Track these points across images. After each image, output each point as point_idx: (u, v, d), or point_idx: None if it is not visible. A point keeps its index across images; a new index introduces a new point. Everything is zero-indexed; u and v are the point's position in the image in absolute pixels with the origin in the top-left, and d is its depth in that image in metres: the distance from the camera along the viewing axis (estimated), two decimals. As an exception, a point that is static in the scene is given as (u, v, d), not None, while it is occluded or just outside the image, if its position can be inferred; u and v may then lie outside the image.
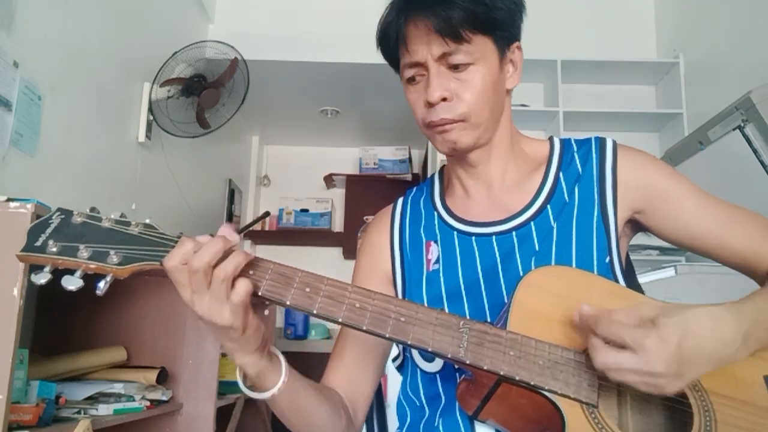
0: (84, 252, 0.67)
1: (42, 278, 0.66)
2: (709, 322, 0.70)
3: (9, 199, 1.17)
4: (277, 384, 0.75)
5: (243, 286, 0.67)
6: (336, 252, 4.25)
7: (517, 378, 0.69)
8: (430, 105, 0.84)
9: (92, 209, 0.71)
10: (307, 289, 0.70)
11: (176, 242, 0.70)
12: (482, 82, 0.84)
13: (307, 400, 0.81)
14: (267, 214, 3.88)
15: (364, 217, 3.61)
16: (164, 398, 1.77)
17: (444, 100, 0.84)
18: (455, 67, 0.84)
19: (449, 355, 0.70)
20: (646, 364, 0.65)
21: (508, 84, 0.90)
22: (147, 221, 0.71)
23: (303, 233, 4.20)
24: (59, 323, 1.84)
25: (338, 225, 4.32)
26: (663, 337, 0.65)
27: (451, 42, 0.82)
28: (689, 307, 0.70)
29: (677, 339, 0.65)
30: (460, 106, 0.84)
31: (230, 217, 3.86)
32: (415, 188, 1.05)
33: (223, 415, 2.22)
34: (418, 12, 0.82)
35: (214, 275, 0.66)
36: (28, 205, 1.16)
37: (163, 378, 1.79)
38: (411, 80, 0.87)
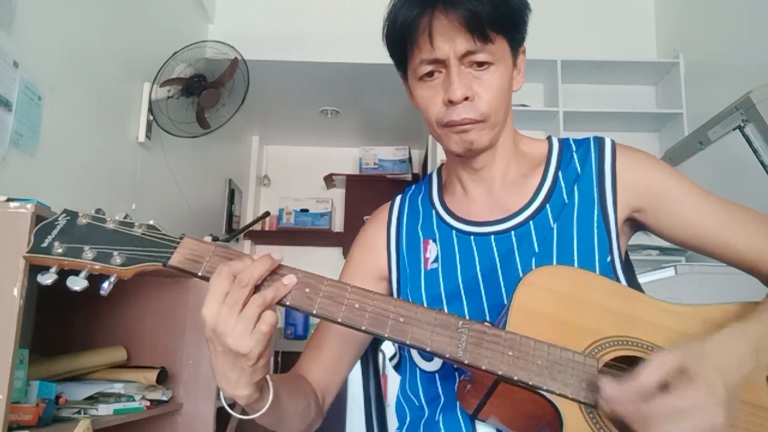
0: (89, 253, 0.68)
1: (48, 279, 0.67)
2: (729, 355, 0.69)
3: (9, 199, 1.17)
4: (263, 408, 0.73)
5: (272, 317, 0.66)
6: (336, 252, 4.25)
7: (515, 378, 0.69)
8: (451, 103, 0.83)
9: (97, 210, 0.72)
10: (307, 290, 0.70)
11: (178, 243, 0.70)
12: (500, 83, 0.85)
13: (286, 410, 0.81)
14: (267, 214, 3.88)
15: (364, 218, 3.59)
16: (164, 398, 1.77)
17: (466, 99, 0.83)
18: (476, 66, 0.83)
19: (447, 355, 0.70)
20: (710, 421, 0.63)
21: (513, 86, 0.91)
22: (150, 222, 0.72)
23: (303, 233, 4.20)
24: (59, 323, 1.84)
25: (338, 225, 4.32)
26: (712, 391, 0.64)
27: (478, 40, 0.81)
28: (702, 343, 0.70)
29: (723, 386, 0.65)
30: (482, 106, 0.84)
31: (230, 217, 3.86)
32: (413, 186, 1.05)
33: (223, 415, 2.22)
34: (446, 5, 0.81)
35: (252, 299, 0.66)
36: (28, 205, 1.16)
37: (163, 378, 1.78)
38: (426, 77, 0.86)
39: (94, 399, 1.57)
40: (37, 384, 1.35)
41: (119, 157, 2.38)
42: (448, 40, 0.82)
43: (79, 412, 1.49)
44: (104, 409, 1.52)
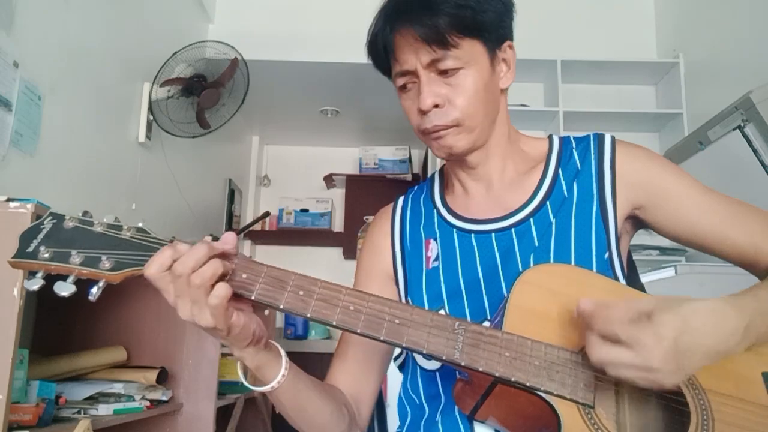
0: (76, 257, 0.67)
1: (35, 284, 0.66)
2: (710, 316, 0.69)
3: (9, 199, 1.17)
4: (276, 377, 0.75)
5: (221, 290, 0.66)
6: (336, 252, 4.25)
7: (513, 379, 0.69)
8: (423, 112, 0.85)
9: (84, 213, 0.70)
10: (301, 293, 0.70)
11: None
12: (474, 85, 0.84)
13: (310, 397, 0.81)
14: (267, 214, 3.88)
15: (364, 217, 3.61)
16: (164, 398, 1.78)
17: (436, 106, 0.84)
18: (445, 73, 0.84)
19: (444, 357, 0.69)
20: (643, 360, 0.65)
21: (502, 84, 0.90)
22: (139, 225, 0.71)
23: (303, 233, 4.20)
24: (59, 323, 1.84)
25: (338, 225, 4.32)
26: (659, 333, 0.65)
27: (438, 49, 0.82)
28: (688, 300, 0.69)
29: (673, 334, 0.65)
30: (453, 112, 0.84)
31: (230, 217, 3.86)
32: (416, 187, 1.05)
33: (223, 415, 2.22)
34: (403, 22, 0.83)
35: (190, 280, 0.66)
36: (28, 205, 1.16)
37: (163, 378, 1.79)
38: (403, 88, 0.88)
39: (94, 399, 1.57)
40: (37, 384, 1.35)
41: (119, 157, 2.38)
42: (411, 53, 0.84)
43: (79, 412, 1.49)
44: (104, 409, 1.53)
